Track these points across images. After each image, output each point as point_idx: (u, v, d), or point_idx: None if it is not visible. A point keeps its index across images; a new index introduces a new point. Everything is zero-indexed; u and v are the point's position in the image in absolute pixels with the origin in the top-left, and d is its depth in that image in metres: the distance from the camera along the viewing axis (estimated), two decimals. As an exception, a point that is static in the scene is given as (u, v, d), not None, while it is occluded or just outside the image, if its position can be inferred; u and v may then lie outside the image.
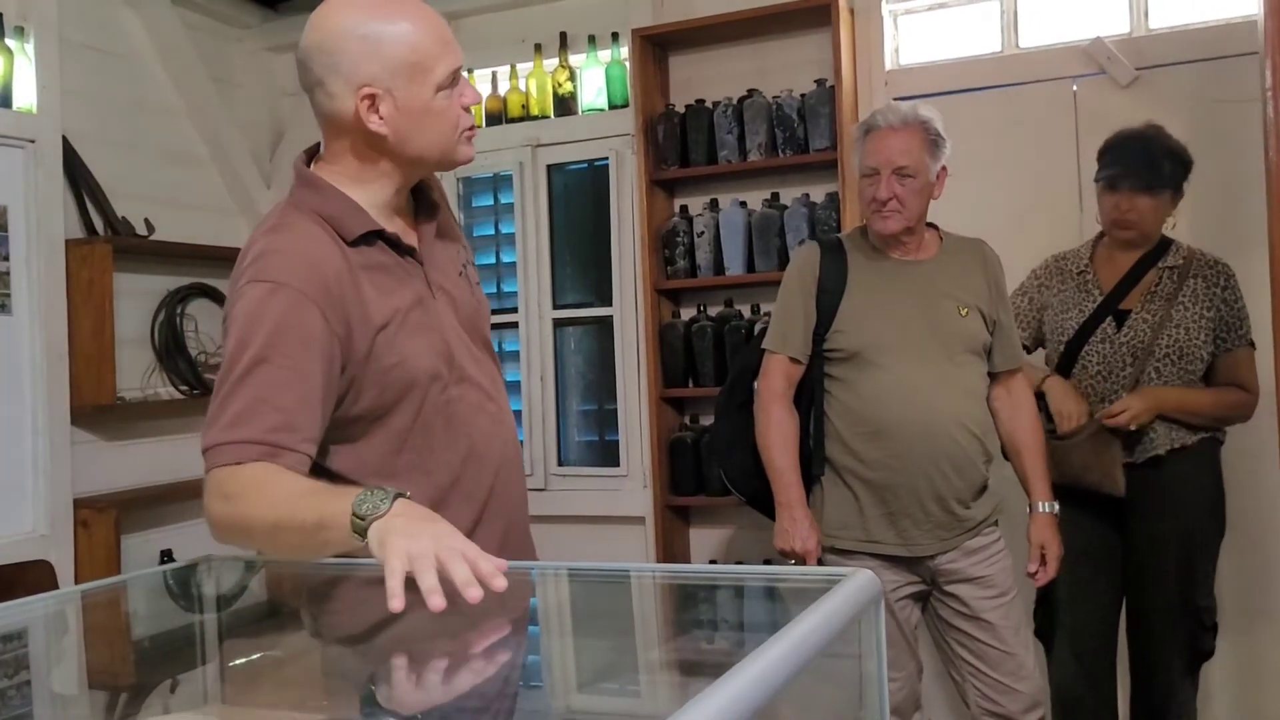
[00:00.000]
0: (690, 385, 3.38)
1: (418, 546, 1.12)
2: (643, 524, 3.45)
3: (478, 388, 1.51)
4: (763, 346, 2.34)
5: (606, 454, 3.70)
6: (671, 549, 3.41)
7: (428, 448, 1.44)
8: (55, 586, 2.83)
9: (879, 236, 2.26)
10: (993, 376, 2.30)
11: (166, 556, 3.25)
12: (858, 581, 1.13)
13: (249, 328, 1.32)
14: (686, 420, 3.49)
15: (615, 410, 3.62)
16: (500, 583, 1.11)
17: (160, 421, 3.43)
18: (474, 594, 1.09)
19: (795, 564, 2.19)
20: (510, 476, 1.55)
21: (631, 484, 3.55)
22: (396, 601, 1.09)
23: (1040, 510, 2.27)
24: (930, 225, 2.30)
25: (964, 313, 2.21)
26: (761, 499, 2.36)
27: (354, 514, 1.18)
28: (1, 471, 2.91)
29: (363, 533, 1.18)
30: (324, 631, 1.45)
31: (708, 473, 3.31)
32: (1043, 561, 2.26)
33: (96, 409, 3.12)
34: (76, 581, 2.95)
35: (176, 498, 3.29)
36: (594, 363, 3.76)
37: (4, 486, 2.91)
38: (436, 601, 1.08)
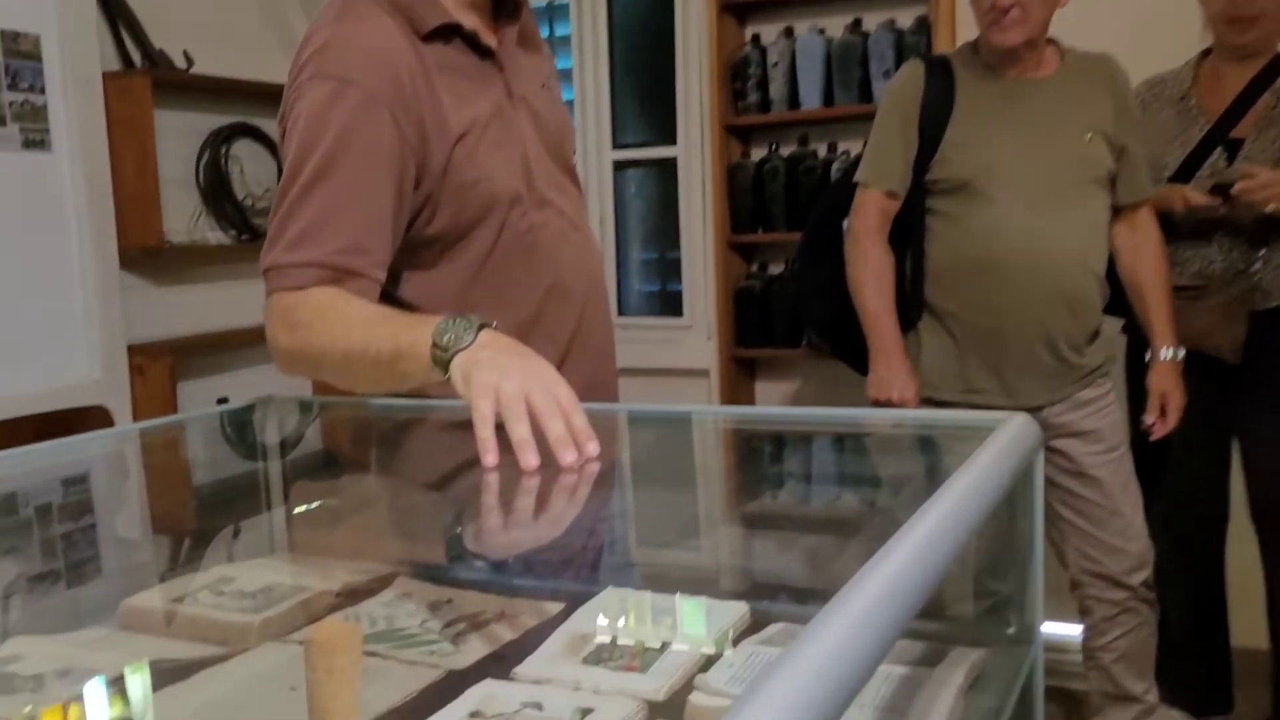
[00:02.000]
0: (759, 231, 3.19)
1: (509, 385, 0.98)
2: (706, 377, 3.32)
3: (560, 214, 1.35)
4: (856, 179, 2.14)
5: (669, 304, 3.56)
6: (736, 403, 3.28)
7: (507, 279, 1.29)
8: (112, 433, 2.77)
9: (994, 51, 2.02)
10: (1116, 210, 2.09)
11: (223, 404, 3.18)
12: (1017, 426, 0.98)
13: (312, 133, 1.16)
14: (754, 268, 3.31)
15: (678, 258, 3.45)
16: (594, 447, 0.98)
17: (210, 268, 3.31)
18: (569, 457, 0.96)
19: None
20: (597, 314, 1.40)
21: (695, 335, 3.41)
22: (490, 456, 0.97)
23: (1163, 356, 2.09)
24: (1049, 40, 2.06)
25: (1088, 138, 1.99)
26: (848, 348, 2.20)
27: (434, 344, 1.04)
28: (51, 316, 2.81)
29: (444, 365, 1.04)
30: (392, 477, 1.34)
31: (776, 324, 3.15)
32: (1162, 413, 2.09)
33: (144, 251, 3.00)
34: (134, 428, 2.89)
35: (232, 345, 3.20)
36: (656, 207, 3.58)
37: (55, 331, 2.82)
38: (530, 460, 0.95)
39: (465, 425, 1.01)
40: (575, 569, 1.09)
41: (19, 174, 2.71)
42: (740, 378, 3.33)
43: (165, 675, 0.88)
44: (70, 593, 1.11)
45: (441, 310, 1.10)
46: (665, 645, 0.90)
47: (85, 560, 1.20)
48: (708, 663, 0.87)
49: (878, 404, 2.08)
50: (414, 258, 1.25)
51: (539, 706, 0.80)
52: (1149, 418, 2.10)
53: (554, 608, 1.02)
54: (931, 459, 1.15)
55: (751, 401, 3.39)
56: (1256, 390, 2.18)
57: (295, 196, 1.16)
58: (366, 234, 1.17)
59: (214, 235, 3.31)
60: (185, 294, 3.27)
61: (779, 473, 1.28)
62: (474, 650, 0.93)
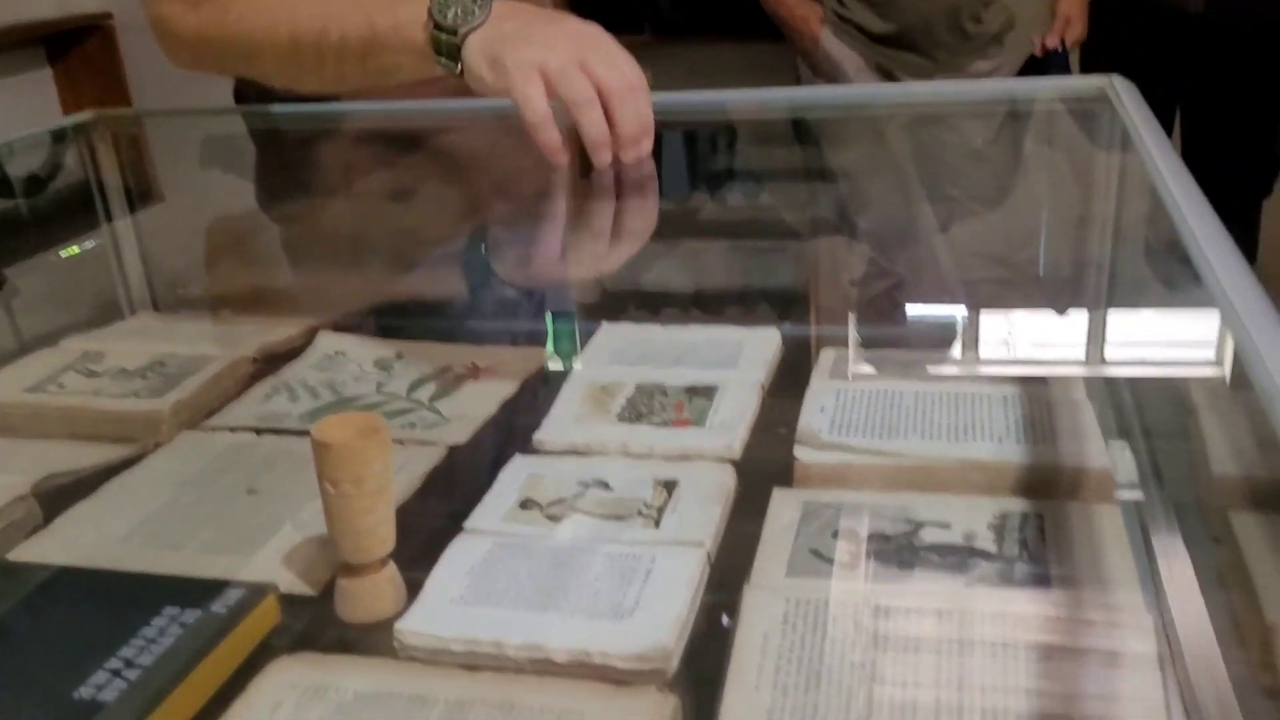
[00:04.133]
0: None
1: (557, 58, 0.75)
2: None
3: None
4: None
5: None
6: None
7: None
8: None
9: None
10: None
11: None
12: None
13: None
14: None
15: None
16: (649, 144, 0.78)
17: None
18: (638, 150, 0.76)
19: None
20: None
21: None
22: (561, 156, 0.76)
23: None
24: None
25: None
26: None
27: (436, 24, 0.77)
28: None
29: (453, 52, 0.77)
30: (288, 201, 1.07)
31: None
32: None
33: None
34: None
35: None
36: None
37: None
38: (604, 158, 0.75)
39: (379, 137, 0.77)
40: (547, 302, 0.90)
41: None
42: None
43: (58, 496, 0.65)
44: None
45: None
46: (708, 390, 0.74)
47: None
48: (768, 406, 0.72)
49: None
50: None
51: (605, 485, 0.63)
52: (1051, 40, 1.97)
53: (534, 354, 0.84)
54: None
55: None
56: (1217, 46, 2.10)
57: None
58: None
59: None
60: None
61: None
62: (466, 418, 0.74)
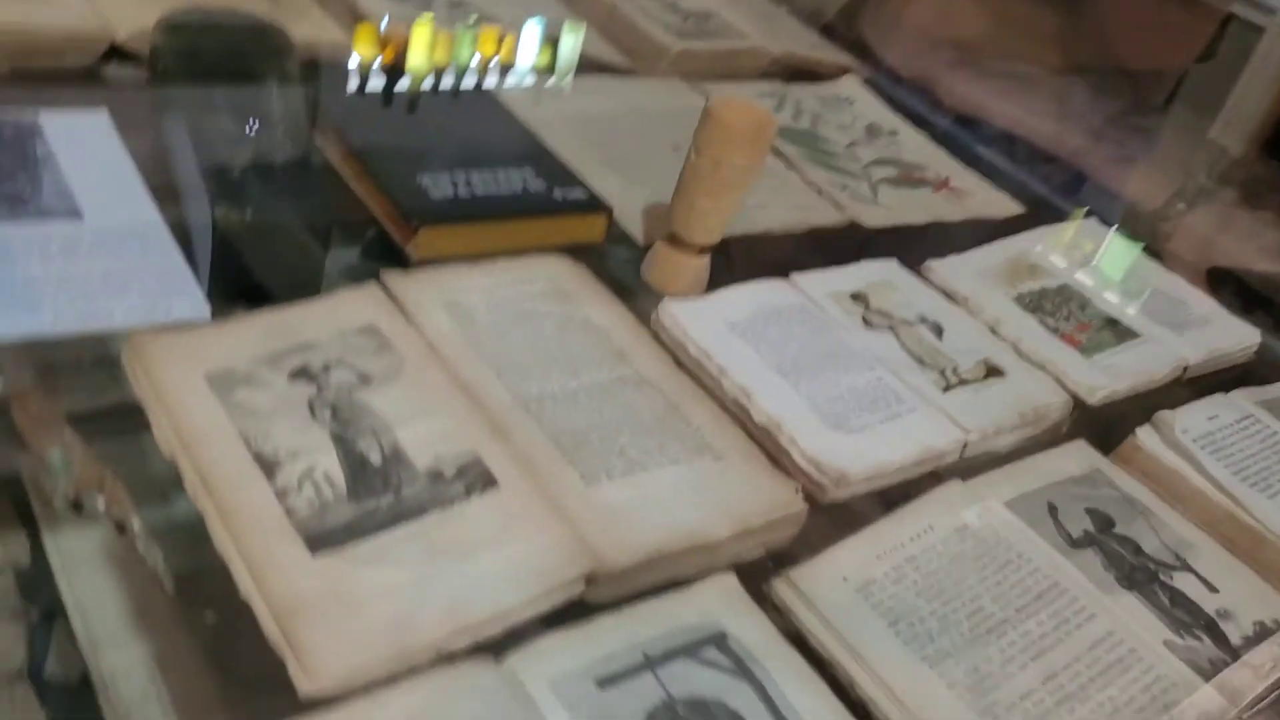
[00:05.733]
0: None
1: None
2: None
3: None
4: None
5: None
6: None
7: None
8: None
9: None
10: None
11: None
12: None
13: None
14: None
15: None
16: None
17: None
18: None
19: None
20: None
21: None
22: None
23: None
24: None
25: None
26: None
27: None
28: None
29: None
30: None
31: None
32: None
33: None
34: None
35: None
36: None
37: None
38: None
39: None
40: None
41: None
42: None
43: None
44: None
45: None
46: (1130, 333, 0.65)
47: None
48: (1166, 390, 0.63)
49: None
50: None
51: (939, 330, 0.60)
52: None
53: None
54: None
55: None
56: None
57: None
58: None
59: None
60: None
61: None
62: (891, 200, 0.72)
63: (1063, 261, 0.71)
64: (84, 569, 0.38)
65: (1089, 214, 0.77)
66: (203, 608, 0.38)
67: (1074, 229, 0.75)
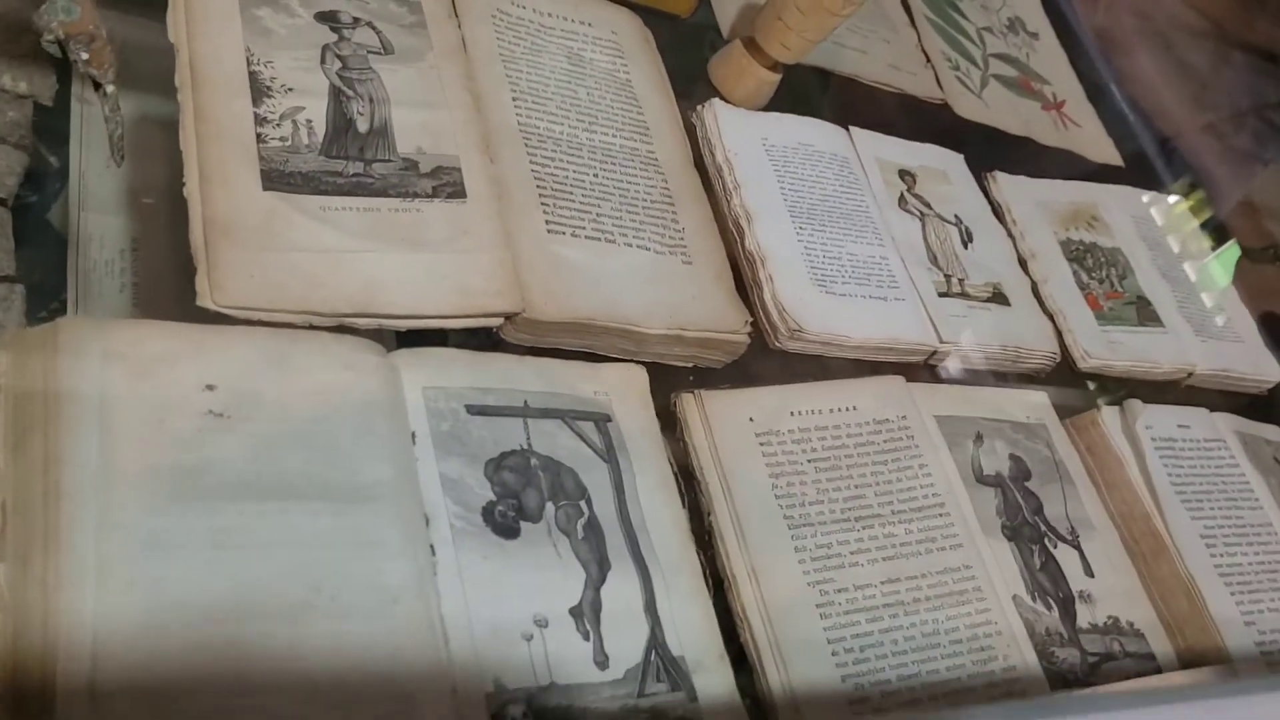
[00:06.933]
0: None
1: None
2: None
3: None
4: None
5: None
6: None
7: None
8: None
9: None
10: None
11: None
12: None
13: None
14: None
15: None
16: None
17: None
18: None
19: None
20: None
21: None
22: None
23: None
24: None
25: None
26: None
27: None
28: None
29: None
30: None
31: None
32: None
33: None
34: None
35: None
36: None
37: None
38: None
39: None
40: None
41: None
42: None
43: None
44: None
45: None
46: (1152, 308, 0.63)
47: None
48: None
49: None
50: None
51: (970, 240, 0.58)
52: None
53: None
54: None
55: None
56: None
57: None
58: None
59: None
60: None
61: None
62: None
63: (1131, 227, 0.68)
64: (99, 139, 0.39)
65: (1191, 191, 0.74)
66: (147, 191, 0.39)
67: (1173, 204, 0.72)
